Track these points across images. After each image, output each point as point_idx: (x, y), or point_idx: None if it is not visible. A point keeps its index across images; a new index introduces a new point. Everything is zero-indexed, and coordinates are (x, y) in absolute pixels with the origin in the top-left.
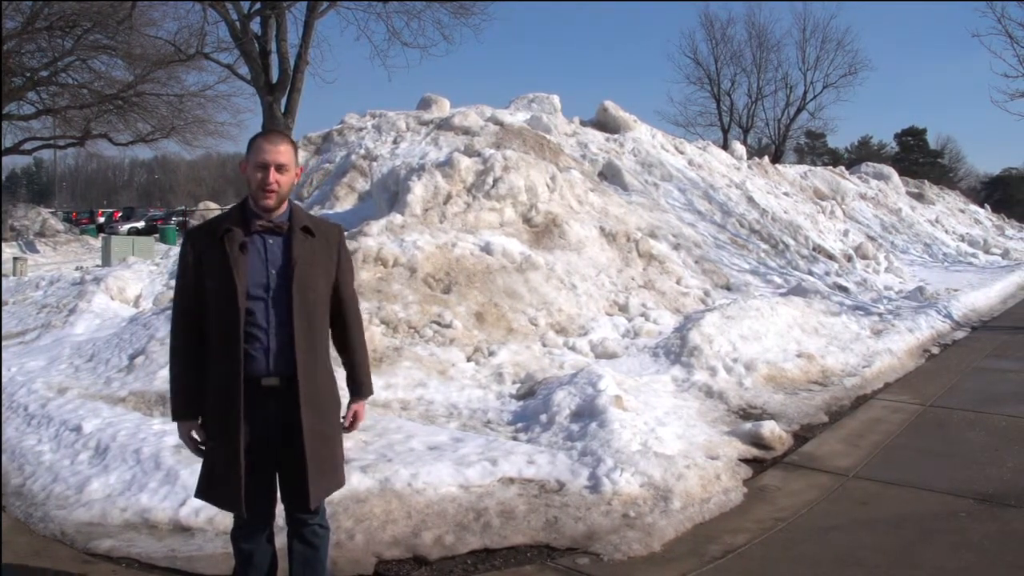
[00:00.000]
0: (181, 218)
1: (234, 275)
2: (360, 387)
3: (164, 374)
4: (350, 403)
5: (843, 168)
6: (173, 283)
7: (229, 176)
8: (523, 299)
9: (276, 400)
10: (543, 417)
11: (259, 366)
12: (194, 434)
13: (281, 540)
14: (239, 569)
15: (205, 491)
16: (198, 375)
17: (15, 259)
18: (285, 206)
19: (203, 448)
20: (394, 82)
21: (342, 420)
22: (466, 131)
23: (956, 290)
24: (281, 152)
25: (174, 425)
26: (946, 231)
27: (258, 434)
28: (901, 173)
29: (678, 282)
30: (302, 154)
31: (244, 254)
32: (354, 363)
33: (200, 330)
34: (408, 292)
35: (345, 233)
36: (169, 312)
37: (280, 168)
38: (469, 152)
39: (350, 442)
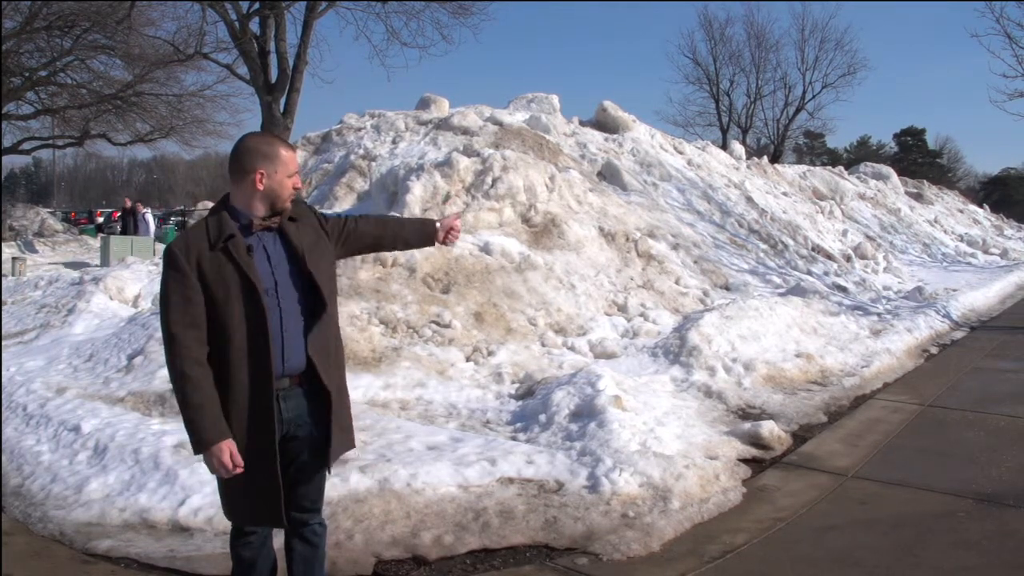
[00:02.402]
0: (180, 218)
1: (252, 279)
2: (424, 223)
3: (163, 374)
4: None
5: (842, 168)
6: None
7: (227, 176)
8: (522, 299)
9: (289, 401)
10: (542, 417)
11: (276, 369)
12: (234, 452)
13: (279, 540)
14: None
15: (245, 513)
16: (218, 391)
17: (14, 259)
18: None
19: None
20: (393, 82)
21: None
22: (465, 131)
23: (955, 290)
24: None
25: (173, 425)
26: (945, 231)
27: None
28: (900, 173)
29: (677, 282)
30: (301, 154)
31: (251, 256)
32: (403, 222)
33: (207, 343)
34: (407, 292)
35: None
36: None
37: None
38: (468, 152)
39: None
